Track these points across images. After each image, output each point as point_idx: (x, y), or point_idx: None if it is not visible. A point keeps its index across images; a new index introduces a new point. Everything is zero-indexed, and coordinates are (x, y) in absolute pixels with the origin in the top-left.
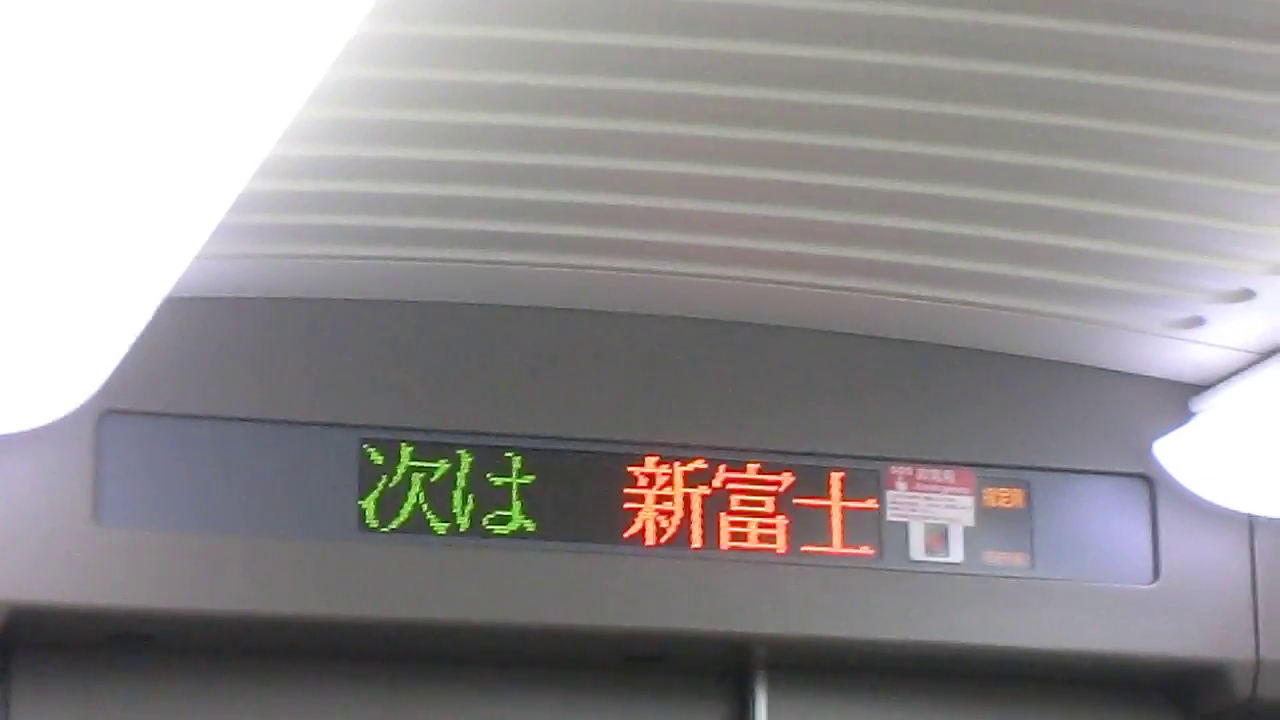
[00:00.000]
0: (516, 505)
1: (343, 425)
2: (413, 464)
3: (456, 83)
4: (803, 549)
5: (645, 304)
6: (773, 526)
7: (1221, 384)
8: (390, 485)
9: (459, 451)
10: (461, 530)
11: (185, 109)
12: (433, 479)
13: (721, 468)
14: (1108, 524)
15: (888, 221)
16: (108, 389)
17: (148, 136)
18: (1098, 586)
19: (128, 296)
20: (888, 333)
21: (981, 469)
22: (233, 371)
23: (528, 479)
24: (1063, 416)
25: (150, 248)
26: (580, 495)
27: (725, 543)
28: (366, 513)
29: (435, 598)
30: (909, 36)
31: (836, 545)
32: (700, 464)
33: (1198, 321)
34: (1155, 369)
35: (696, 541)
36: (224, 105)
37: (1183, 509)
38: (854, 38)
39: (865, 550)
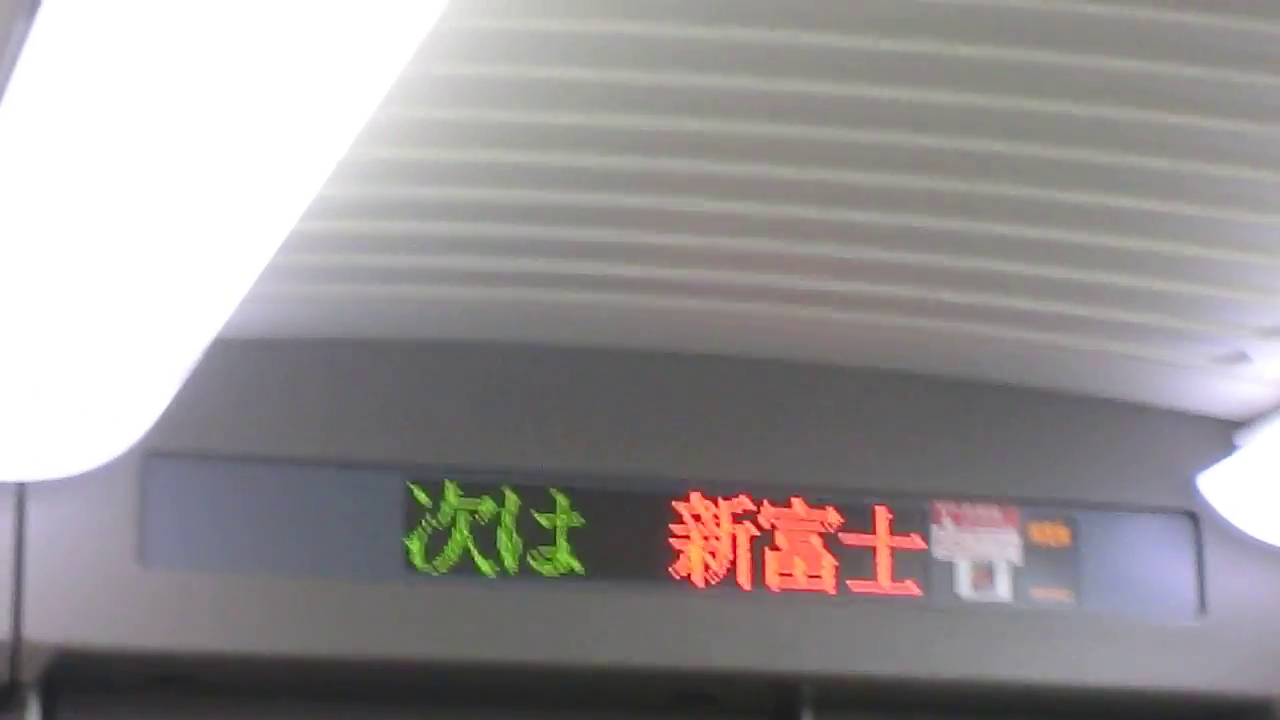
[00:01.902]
0: (563, 545)
1: (388, 465)
2: (459, 504)
3: (503, 123)
4: (850, 587)
5: (691, 343)
6: (819, 564)
7: (1265, 419)
8: (437, 525)
9: (505, 490)
10: (508, 571)
11: (231, 152)
12: (479, 519)
13: (767, 505)
14: (1153, 560)
15: (932, 259)
16: (153, 431)
17: (197, 182)
18: (1144, 623)
19: (175, 340)
20: (933, 370)
21: (1027, 506)
22: (276, 413)
23: (574, 518)
24: (1107, 453)
25: (197, 292)
26: (627, 534)
27: (772, 581)
28: (413, 553)
29: (482, 638)
30: (957, 74)
31: (883, 583)
32: (746, 502)
33: (1242, 357)
34: (1200, 405)
35: (744, 580)
36: (270, 146)
37: (1228, 544)
38: (902, 75)
39: (912, 588)
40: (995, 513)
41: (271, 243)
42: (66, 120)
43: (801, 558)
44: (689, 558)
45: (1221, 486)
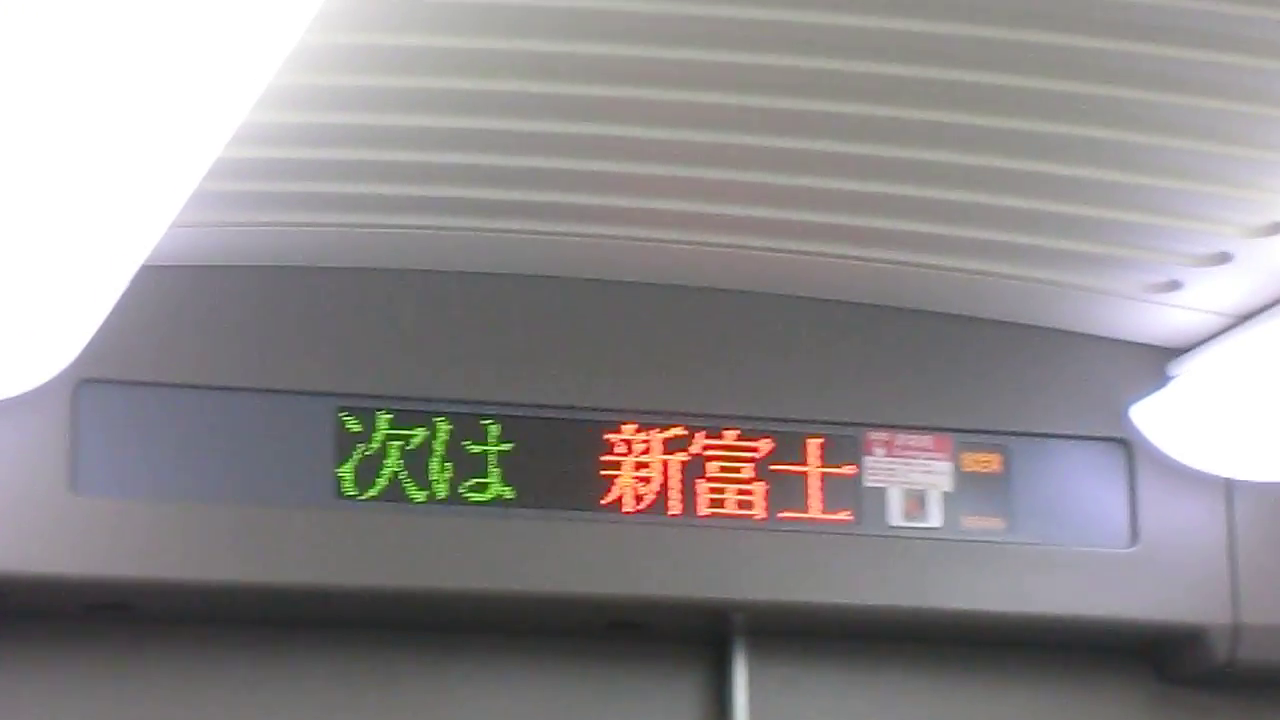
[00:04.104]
0: (494, 473)
1: (319, 393)
2: (390, 432)
3: (435, 48)
4: (781, 515)
5: (623, 271)
6: (751, 493)
7: (1199, 348)
8: (367, 453)
9: (436, 419)
10: (439, 498)
11: (158, 76)
12: (410, 447)
13: (700, 434)
14: (1085, 488)
15: (864, 186)
16: (84, 358)
17: (122, 104)
18: (1075, 551)
19: (104, 265)
20: (865, 298)
21: (959, 434)
22: (208, 340)
23: (505, 446)
24: (1040, 381)
25: (126, 216)
26: (558, 462)
27: (703, 509)
28: (344, 481)
29: (413, 565)
30: (887, 1)
31: (815, 511)
32: (678, 430)
33: (1175, 285)
34: (1133, 333)
35: (675, 508)
36: (197, 72)
37: (1160, 473)
38: (831, 2)
39: (843, 516)
40: (927, 441)
41: (200, 169)
42: None
43: (733, 486)
44: (621, 486)
45: (1154, 415)
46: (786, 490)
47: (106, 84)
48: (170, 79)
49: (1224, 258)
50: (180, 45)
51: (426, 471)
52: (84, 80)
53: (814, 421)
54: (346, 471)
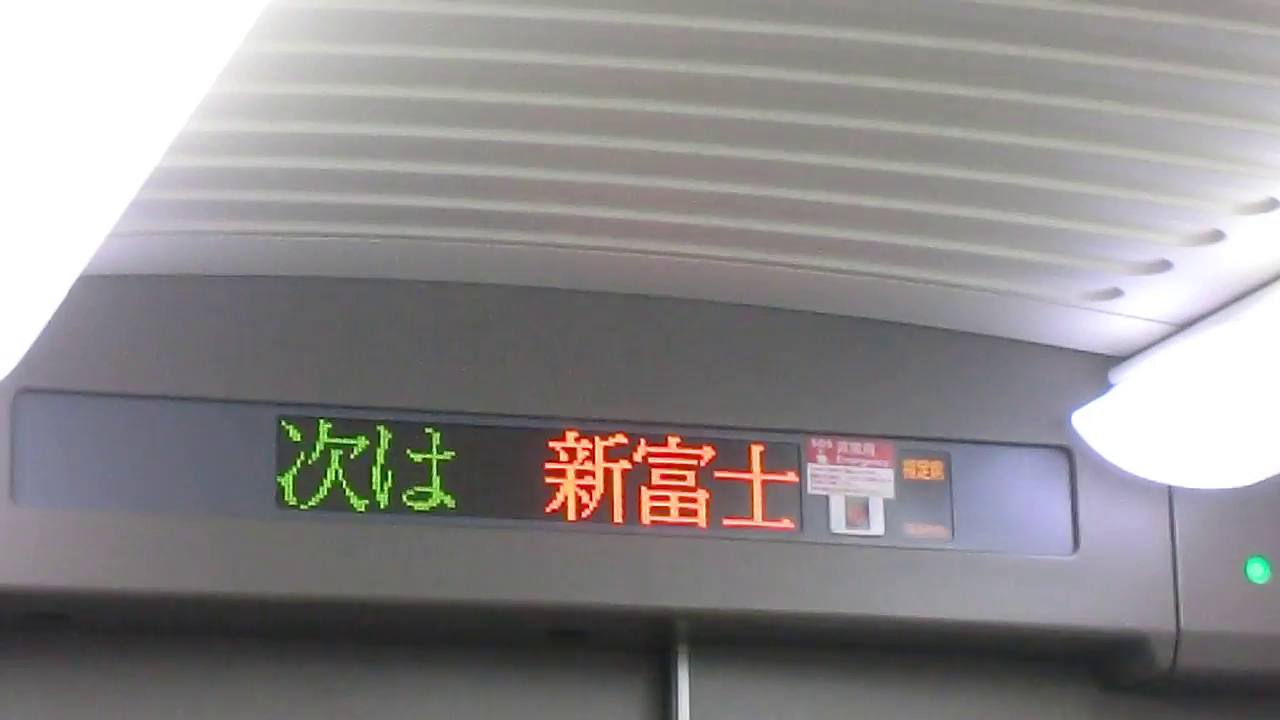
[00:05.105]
0: (436, 481)
1: (260, 402)
2: (331, 440)
3: (376, 57)
4: (724, 522)
5: (564, 279)
6: (694, 500)
7: (1140, 355)
8: (308, 462)
9: (378, 427)
10: (381, 507)
11: (96, 85)
12: (351, 455)
13: (642, 442)
14: (1028, 496)
15: (804, 195)
16: (22, 367)
17: (59, 113)
18: (1018, 558)
19: (41, 276)
20: (807, 306)
21: (901, 441)
22: (148, 349)
23: (447, 455)
24: (982, 389)
25: (63, 225)
26: (501, 471)
27: (646, 517)
28: (285, 490)
29: (355, 575)
30: (821, 7)
31: (757, 519)
32: (621, 438)
33: (1116, 293)
34: (1074, 341)
35: (618, 516)
36: (135, 81)
37: (1102, 480)
38: (772, 8)
39: (786, 523)
40: (870, 448)
41: (138, 178)
42: None
43: (676, 494)
44: (563, 494)
45: (1095, 422)
46: (729, 498)
47: (42, 93)
48: (108, 88)
49: (1164, 265)
50: (118, 56)
51: (368, 480)
52: (20, 89)
53: (756, 429)
54: (287, 480)
